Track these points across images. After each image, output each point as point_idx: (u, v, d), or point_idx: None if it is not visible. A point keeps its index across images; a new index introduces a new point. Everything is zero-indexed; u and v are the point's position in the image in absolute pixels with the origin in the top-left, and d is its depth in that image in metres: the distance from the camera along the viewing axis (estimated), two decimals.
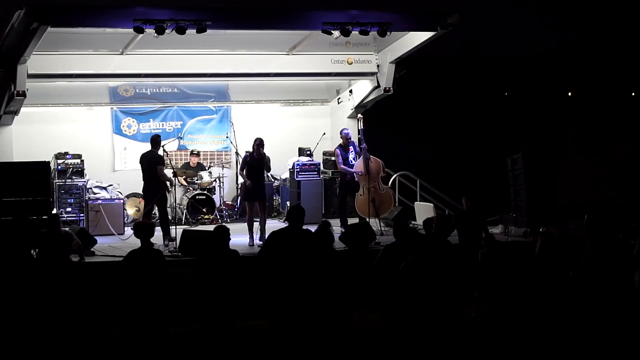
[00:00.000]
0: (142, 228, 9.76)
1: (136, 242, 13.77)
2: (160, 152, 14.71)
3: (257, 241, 13.98)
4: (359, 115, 16.23)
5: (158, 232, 14.61)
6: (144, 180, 14.56)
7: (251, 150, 14.44)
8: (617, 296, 8.25)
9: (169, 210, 16.26)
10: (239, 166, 17.40)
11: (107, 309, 11.59)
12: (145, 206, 14.76)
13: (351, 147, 15.30)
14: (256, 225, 14.19)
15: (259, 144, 14.22)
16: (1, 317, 10.00)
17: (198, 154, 17.16)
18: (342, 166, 15.33)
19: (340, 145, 15.39)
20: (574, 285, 8.50)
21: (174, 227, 14.11)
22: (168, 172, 14.77)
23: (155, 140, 14.68)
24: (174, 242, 13.53)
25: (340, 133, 15.67)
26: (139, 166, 16.37)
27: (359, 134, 15.56)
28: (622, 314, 8.28)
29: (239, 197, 17.54)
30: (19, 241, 10.27)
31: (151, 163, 14.36)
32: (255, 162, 14.18)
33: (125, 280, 9.45)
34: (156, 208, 14.53)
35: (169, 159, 15.75)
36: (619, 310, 8.26)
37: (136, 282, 9.36)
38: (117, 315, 10.25)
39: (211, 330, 9.33)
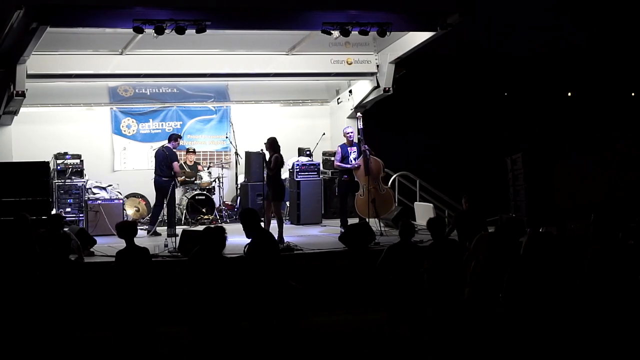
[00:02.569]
0: (125, 228, 9.76)
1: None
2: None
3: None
4: (358, 114, 16.21)
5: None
6: (163, 175, 15.20)
7: None
8: (623, 296, 8.26)
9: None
10: (240, 168, 17.52)
11: (106, 309, 11.58)
12: (166, 198, 15.16)
13: (354, 147, 15.26)
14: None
15: (265, 143, 14.37)
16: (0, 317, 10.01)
17: (194, 151, 17.13)
18: (338, 163, 15.31)
19: (344, 144, 15.37)
20: (579, 285, 8.50)
21: (174, 227, 14.12)
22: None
23: (173, 137, 15.63)
24: (174, 243, 13.52)
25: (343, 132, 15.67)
26: (138, 166, 16.45)
27: (358, 133, 15.55)
28: (626, 314, 8.28)
29: (238, 198, 17.56)
30: (18, 241, 10.26)
31: (172, 158, 15.24)
32: (265, 162, 14.33)
33: (118, 282, 9.47)
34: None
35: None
36: (624, 310, 8.26)
37: (125, 281, 9.37)
38: (110, 315, 10.27)
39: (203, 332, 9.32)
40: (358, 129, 15.55)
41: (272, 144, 14.35)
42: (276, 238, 13.73)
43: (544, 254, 8.76)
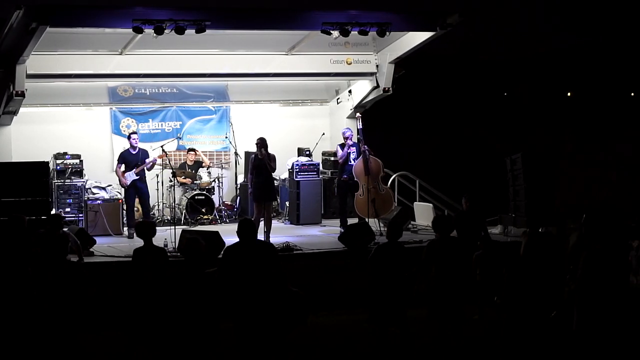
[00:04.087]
0: (144, 227, 9.78)
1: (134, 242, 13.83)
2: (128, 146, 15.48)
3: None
4: (358, 114, 16.19)
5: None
6: None
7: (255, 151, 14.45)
8: (616, 297, 8.22)
9: (168, 210, 16.34)
10: (240, 168, 17.50)
11: (106, 309, 11.59)
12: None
13: (353, 148, 15.26)
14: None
15: (258, 143, 14.23)
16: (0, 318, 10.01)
17: (195, 151, 17.13)
18: (341, 160, 15.26)
19: (341, 144, 15.38)
20: (573, 286, 8.46)
21: (174, 227, 14.10)
22: (129, 175, 15.14)
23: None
24: (174, 243, 13.52)
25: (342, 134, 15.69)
26: None
27: (358, 133, 15.55)
28: (621, 315, 8.25)
29: (238, 198, 17.55)
30: (14, 242, 10.25)
31: None
32: (260, 162, 14.19)
33: (135, 280, 9.45)
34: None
35: (168, 159, 15.74)
36: (618, 311, 8.23)
37: (140, 280, 9.36)
38: (119, 315, 10.27)
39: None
40: (357, 129, 15.55)
41: (265, 143, 14.27)
42: (265, 238, 13.85)
43: (543, 255, 8.72)
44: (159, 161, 15.74)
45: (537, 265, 8.70)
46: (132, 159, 15.15)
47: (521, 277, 8.67)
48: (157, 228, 15.10)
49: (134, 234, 14.83)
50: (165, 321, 9.29)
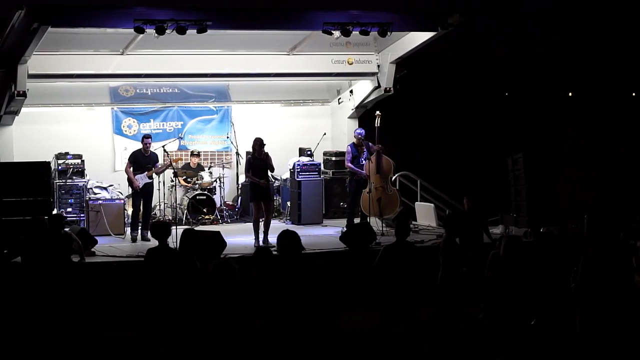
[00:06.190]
0: (159, 228, 9.80)
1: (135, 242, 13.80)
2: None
3: (262, 242, 14.04)
4: (377, 112, 15.77)
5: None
6: None
7: (252, 150, 14.45)
8: (618, 298, 8.21)
9: (169, 210, 16.34)
10: (241, 168, 17.48)
11: (108, 309, 11.61)
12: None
13: (364, 148, 15.27)
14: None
15: (260, 144, 14.23)
16: (3, 318, 10.02)
17: (198, 155, 17.16)
18: (349, 164, 15.32)
19: (353, 143, 15.39)
20: (574, 287, 8.46)
21: (175, 227, 14.11)
22: (141, 178, 14.94)
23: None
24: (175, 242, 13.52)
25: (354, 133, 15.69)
26: None
27: (376, 132, 15.38)
28: (622, 316, 8.24)
29: (239, 198, 17.55)
30: (35, 243, 10.26)
31: None
32: (259, 162, 14.19)
33: (147, 279, 9.46)
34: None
35: (170, 159, 15.74)
36: (619, 312, 8.22)
37: (153, 280, 9.38)
38: (129, 314, 10.26)
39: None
40: (376, 127, 15.39)
41: (263, 143, 14.31)
42: (263, 238, 13.86)
43: (522, 257, 8.71)
44: (161, 160, 15.69)
45: (518, 269, 8.67)
46: (143, 161, 14.99)
47: (502, 281, 8.65)
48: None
49: (137, 237, 14.81)
50: (177, 321, 9.30)
